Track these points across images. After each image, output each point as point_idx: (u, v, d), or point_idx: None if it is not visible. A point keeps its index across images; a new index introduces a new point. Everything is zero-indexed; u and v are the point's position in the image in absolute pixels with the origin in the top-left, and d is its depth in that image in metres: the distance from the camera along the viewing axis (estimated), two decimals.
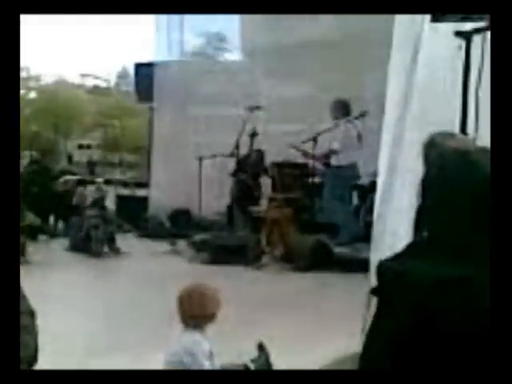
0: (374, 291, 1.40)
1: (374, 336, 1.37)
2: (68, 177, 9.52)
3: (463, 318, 1.25)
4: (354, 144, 7.45)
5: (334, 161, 7.56)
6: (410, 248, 1.42)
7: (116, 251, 7.85)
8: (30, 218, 7.22)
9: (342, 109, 7.56)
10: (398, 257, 1.41)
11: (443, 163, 1.43)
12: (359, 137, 7.49)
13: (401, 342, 1.30)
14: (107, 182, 14.58)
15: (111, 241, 7.91)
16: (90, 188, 9.78)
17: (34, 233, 7.80)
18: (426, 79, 4.53)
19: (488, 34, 3.33)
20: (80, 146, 35.05)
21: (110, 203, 9.86)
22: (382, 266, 1.41)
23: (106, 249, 7.81)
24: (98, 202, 8.27)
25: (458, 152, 1.41)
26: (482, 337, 1.24)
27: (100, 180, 10.33)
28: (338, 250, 6.99)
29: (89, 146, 36.32)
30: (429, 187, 1.44)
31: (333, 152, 7.53)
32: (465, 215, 1.33)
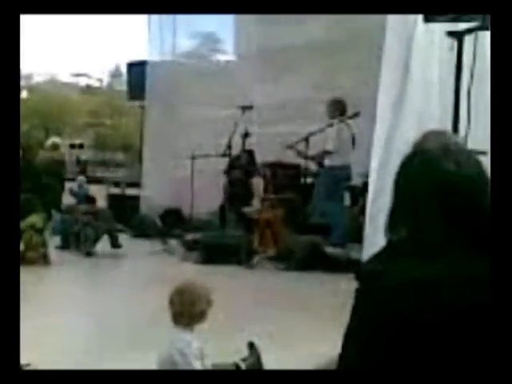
0: (356, 292, 1.39)
1: (351, 337, 1.37)
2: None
3: (438, 319, 1.25)
4: (347, 145, 7.46)
5: (327, 161, 7.56)
6: (386, 248, 1.41)
7: (117, 247, 7.74)
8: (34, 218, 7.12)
9: (339, 108, 7.55)
10: (375, 258, 1.40)
11: (411, 161, 1.43)
12: (353, 138, 7.50)
13: (375, 343, 1.30)
14: (98, 180, 14.54)
15: (114, 238, 7.78)
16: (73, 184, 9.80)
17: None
18: (419, 79, 4.55)
19: (479, 33, 3.35)
20: (72, 146, 34.87)
21: (102, 202, 9.85)
22: (361, 268, 1.41)
23: (94, 248, 7.64)
24: (85, 199, 8.25)
25: (426, 150, 1.40)
26: (460, 337, 1.24)
27: (82, 178, 10.26)
28: (330, 250, 6.98)
29: (81, 146, 36.14)
30: (399, 185, 1.43)
31: (327, 152, 7.52)
32: (435, 214, 1.32)
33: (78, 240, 7.72)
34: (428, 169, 1.35)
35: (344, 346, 1.37)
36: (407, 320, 1.26)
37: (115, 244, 7.77)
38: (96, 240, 7.71)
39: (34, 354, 3.26)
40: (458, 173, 1.32)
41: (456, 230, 1.30)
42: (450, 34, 3.53)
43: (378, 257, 1.38)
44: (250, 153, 9.01)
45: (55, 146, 10.11)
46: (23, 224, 6.85)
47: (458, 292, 1.25)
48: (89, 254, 7.53)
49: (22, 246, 6.64)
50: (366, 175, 6.70)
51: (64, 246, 7.90)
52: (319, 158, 7.64)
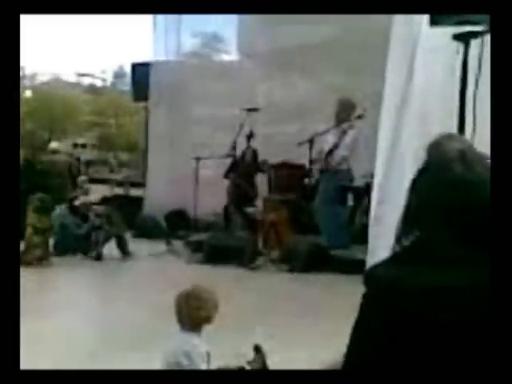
0: (363, 297, 1.40)
1: (359, 341, 1.38)
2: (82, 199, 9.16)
3: (447, 327, 1.26)
4: (359, 149, 7.36)
5: (334, 164, 7.45)
6: (398, 254, 1.42)
7: (127, 254, 7.61)
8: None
9: (349, 109, 7.46)
10: (385, 263, 1.41)
11: (426, 168, 1.43)
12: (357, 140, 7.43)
13: (383, 347, 1.31)
14: (103, 181, 14.55)
15: (123, 243, 7.67)
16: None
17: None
18: (423, 83, 4.56)
19: (486, 37, 3.35)
20: (75, 145, 34.93)
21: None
22: (370, 273, 1.42)
23: (103, 251, 7.55)
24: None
25: (451, 156, 1.41)
26: (471, 346, 1.25)
27: (84, 178, 10.23)
28: (334, 251, 6.97)
29: (83, 145, 36.22)
30: (413, 192, 1.43)
31: (344, 159, 7.42)
32: (455, 223, 1.32)
33: (85, 243, 7.59)
34: (441, 177, 1.35)
35: (351, 351, 1.37)
36: (416, 327, 1.27)
37: (125, 251, 7.63)
38: (105, 243, 7.62)
39: (36, 356, 3.29)
40: (473, 180, 1.32)
41: (469, 238, 1.30)
42: (457, 37, 3.52)
43: (388, 262, 1.39)
44: (254, 151, 9.01)
45: (54, 151, 10.15)
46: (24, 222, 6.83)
47: (468, 300, 1.26)
48: (98, 257, 7.44)
49: (22, 246, 6.61)
50: (368, 176, 6.69)
51: (62, 250, 7.57)
52: (330, 162, 7.50)
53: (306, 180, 8.32)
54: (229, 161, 8.77)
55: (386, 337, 1.29)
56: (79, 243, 7.67)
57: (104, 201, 9.42)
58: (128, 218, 9.38)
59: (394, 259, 1.39)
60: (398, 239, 1.41)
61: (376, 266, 1.40)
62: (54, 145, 10.50)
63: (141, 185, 11.66)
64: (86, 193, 8.59)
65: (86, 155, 29.92)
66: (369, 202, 5.81)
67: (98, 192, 10.58)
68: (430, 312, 1.26)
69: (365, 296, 1.37)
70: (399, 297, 1.29)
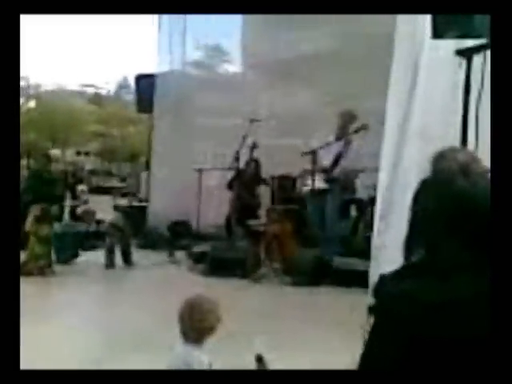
0: (370, 310, 1.40)
1: (371, 355, 1.37)
2: (84, 207, 9.17)
3: (459, 341, 1.26)
4: (363, 160, 7.35)
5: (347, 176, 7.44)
6: (406, 268, 1.42)
7: (130, 264, 7.65)
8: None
9: (350, 120, 7.47)
10: (394, 277, 1.41)
11: (429, 182, 1.43)
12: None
13: (395, 362, 1.31)
14: (106, 191, 14.57)
15: (128, 253, 7.70)
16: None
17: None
18: (426, 96, 4.57)
19: (488, 52, 3.37)
20: (78, 153, 35.10)
21: (108, 213, 9.86)
22: (380, 287, 1.41)
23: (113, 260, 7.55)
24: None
25: (455, 169, 1.41)
26: (478, 361, 1.25)
27: (83, 188, 10.23)
28: (337, 263, 6.91)
29: (87, 153, 36.40)
30: (416, 206, 1.43)
31: (349, 169, 7.36)
32: (460, 235, 1.33)
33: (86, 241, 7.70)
34: (444, 190, 1.35)
35: (364, 362, 1.37)
36: (429, 341, 1.27)
37: (128, 261, 7.68)
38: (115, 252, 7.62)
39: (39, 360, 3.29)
40: (475, 193, 1.32)
41: (473, 250, 1.30)
42: (459, 52, 3.53)
43: (396, 275, 1.39)
44: (257, 162, 9.03)
45: (49, 158, 10.14)
46: (27, 230, 6.83)
47: (477, 312, 1.26)
48: (112, 265, 7.46)
49: (24, 256, 6.61)
50: (371, 188, 6.67)
51: (64, 258, 7.59)
52: (334, 173, 7.48)
53: (309, 191, 8.30)
54: (232, 172, 8.77)
55: (399, 349, 1.29)
56: (79, 242, 7.76)
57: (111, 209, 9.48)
58: (131, 228, 9.39)
59: (402, 272, 1.39)
60: (407, 258, 1.42)
61: (384, 279, 1.40)
62: (52, 153, 10.49)
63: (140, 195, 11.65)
64: (86, 203, 8.60)
65: (89, 164, 30.03)
66: (372, 214, 5.80)
67: (100, 202, 10.60)
68: (440, 325, 1.26)
69: (374, 309, 1.37)
70: (409, 310, 1.29)
